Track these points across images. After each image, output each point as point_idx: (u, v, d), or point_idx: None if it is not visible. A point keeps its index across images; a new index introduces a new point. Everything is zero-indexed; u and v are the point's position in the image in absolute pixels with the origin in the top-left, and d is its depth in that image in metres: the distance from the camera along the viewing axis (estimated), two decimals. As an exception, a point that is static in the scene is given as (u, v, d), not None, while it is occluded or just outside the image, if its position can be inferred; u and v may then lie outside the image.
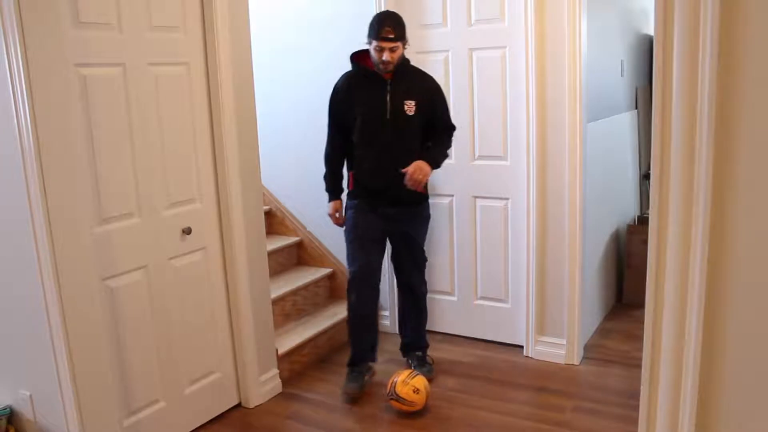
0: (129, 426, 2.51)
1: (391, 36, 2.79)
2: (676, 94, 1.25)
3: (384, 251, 3.11)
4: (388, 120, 2.88)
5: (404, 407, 2.83)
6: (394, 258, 3.18)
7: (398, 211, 2.99)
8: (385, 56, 2.80)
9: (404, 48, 2.89)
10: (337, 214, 3.11)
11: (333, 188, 3.12)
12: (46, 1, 2.05)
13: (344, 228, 3.09)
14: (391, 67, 2.84)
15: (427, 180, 2.90)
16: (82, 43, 2.22)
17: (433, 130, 3.00)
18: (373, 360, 3.18)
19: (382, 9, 3.42)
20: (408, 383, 2.82)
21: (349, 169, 3.06)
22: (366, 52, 2.93)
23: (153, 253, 2.55)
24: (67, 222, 2.16)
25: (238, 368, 2.97)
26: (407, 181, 2.85)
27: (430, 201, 3.56)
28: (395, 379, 2.86)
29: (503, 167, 3.35)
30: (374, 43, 2.82)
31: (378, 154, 2.91)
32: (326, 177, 3.11)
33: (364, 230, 3.00)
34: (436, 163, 2.96)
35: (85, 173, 2.26)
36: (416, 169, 2.84)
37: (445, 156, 3.08)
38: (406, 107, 2.88)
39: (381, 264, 3.08)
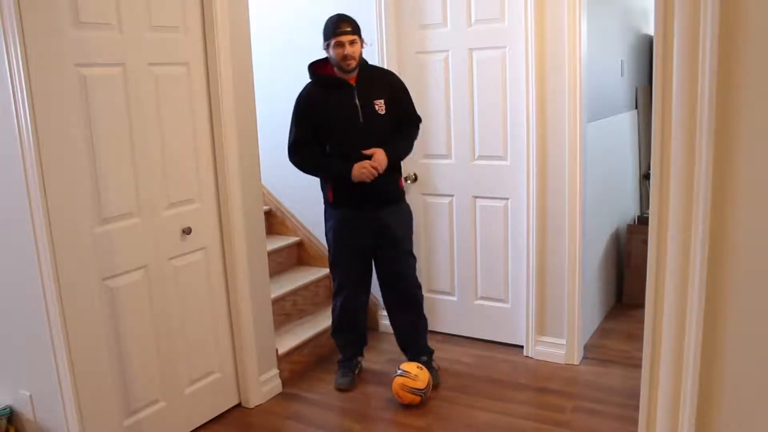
0: (129, 426, 2.51)
1: (348, 29, 2.78)
2: (676, 94, 1.25)
3: (371, 260, 3.09)
4: (361, 123, 2.85)
5: (409, 381, 2.89)
6: (385, 263, 3.06)
7: (380, 212, 2.94)
8: (347, 50, 2.76)
9: (362, 46, 2.85)
10: (364, 168, 2.80)
11: (338, 164, 2.87)
12: (46, 1, 2.05)
13: (327, 238, 3.07)
14: (353, 63, 2.79)
15: (380, 171, 2.81)
16: (82, 43, 2.22)
17: (399, 125, 2.99)
18: (361, 355, 3.28)
19: (382, 9, 3.43)
20: (412, 362, 3.01)
21: (325, 181, 2.99)
22: (323, 61, 2.91)
23: (153, 253, 2.55)
24: (67, 222, 2.16)
25: (238, 368, 2.97)
26: (360, 171, 2.80)
27: (430, 201, 3.57)
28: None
29: (503, 167, 3.35)
30: (333, 41, 2.78)
31: (355, 157, 2.84)
32: (321, 167, 2.94)
33: (350, 245, 3.00)
34: (396, 155, 2.93)
35: (85, 173, 2.26)
36: (373, 158, 2.81)
37: (409, 148, 3.02)
38: (377, 107, 2.88)
39: (370, 274, 3.11)
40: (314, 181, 3.29)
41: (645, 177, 4.42)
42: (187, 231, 2.66)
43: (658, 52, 1.28)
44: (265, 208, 3.74)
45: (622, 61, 3.87)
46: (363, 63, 2.90)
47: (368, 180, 2.83)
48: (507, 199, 3.36)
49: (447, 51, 3.39)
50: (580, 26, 2.96)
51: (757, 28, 1.17)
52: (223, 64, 2.70)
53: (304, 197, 3.94)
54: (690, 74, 1.23)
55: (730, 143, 1.22)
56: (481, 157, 3.41)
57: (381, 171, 2.84)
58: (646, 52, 4.30)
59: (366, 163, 2.82)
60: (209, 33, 2.67)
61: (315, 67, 2.92)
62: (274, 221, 4.08)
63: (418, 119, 3.10)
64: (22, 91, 2.01)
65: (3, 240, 2.25)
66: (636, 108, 4.26)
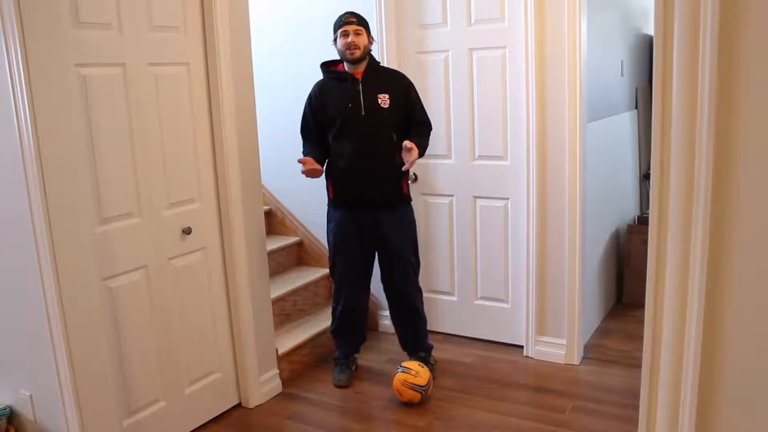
0: (129, 426, 2.51)
1: (353, 20, 2.88)
2: (676, 94, 1.25)
3: (372, 262, 3.13)
4: (363, 116, 2.89)
5: (410, 377, 2.90)
6: (384, 269, 3.11)
7: (379, 217, 2.97)
8: (351, 38, 2.84)
9: (370, 42, 2.92)
10: (306, 165, 2.88)
11: (307, 151, 2.98)
12: (46, 1, 2.05)
13: (327, 240, 3.13)
14: (358, 53, 2.86)
15: (413, 161, 2.85)
16: (82, 43, 2.22)
17: (405, 123, 3.00)
18: (358, 352, 3.32)
19: (382, 9, 3.43)
20: (414, 360, 3.06)
21: (327, 176, 3.03)
22: (334, 61, 3.00)
23: (153, 253, 2.55)
24: (67, 222, 2.16)
25: (238, 368, 2.97)
26: (404, 151, 2.84)
27: (430, 201, 3.57)
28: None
29: (503, 167, 3.35)
30: (339, 30, 2.88)
31: (355, 149, 2.90)
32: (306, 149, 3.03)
33: (348, 247, 3.04)
34: (422, 149, 2.94)
35: (85, 173, 2.26)
36: (413, 146, 2.83)
37: (425, 149, 3.02)
38: (380, 100, 2.92)
39: (370, 275, 3.15)
40: (314, 181, 3.28)
41: (645, 177, 4.42)
42: (187, 231, 2.66)
43: (658, 52, 1.28)
44: (265, 208, 3.74)
45: (622, 61, 3.87)
46: (372, 60, 2.98)
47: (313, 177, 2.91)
48: (507, 199, 3.36)
49: (447, 51, 3.39)
50: (580, 26, 2.96)
51: (757, 28, 1.17)
52: (223, 64, 2.70)
53: (304, 197, 3.94)
54: (690, 74, 1.23)
55: (730, 143, 1.22)
56: (481, 157, 3.41)
57: (414, 157, 2.84)
58: (646, 52, 4.30)
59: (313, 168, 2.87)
60: (209, 33, 2.67)
61: (326, 65, 3.03)
62: (274, 221, 4.08)
63: (430, 125, 3.08)
64: (22, 91, 2.01)
65: (3, 240, 2.25)
66: (636, 108, 4.26)
